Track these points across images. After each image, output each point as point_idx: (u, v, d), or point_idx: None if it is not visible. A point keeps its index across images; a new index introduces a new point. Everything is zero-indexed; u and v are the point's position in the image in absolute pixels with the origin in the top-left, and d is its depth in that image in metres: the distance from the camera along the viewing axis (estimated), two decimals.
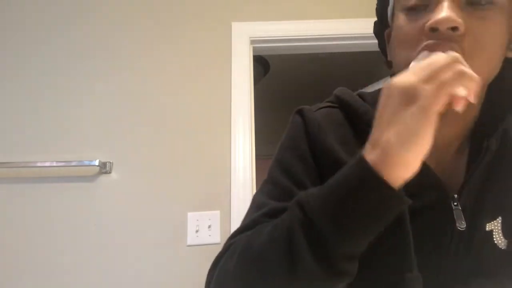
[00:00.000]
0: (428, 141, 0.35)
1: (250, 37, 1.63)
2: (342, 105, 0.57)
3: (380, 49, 0.65)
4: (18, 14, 1.62)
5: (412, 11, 0.48)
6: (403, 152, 0.35)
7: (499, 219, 0.48)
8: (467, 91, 0.36)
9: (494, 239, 0.48)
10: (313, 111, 0.56)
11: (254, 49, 1.65)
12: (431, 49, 0.43)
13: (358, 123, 0.54)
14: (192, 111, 1.51)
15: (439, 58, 0.37)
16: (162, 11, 1.66)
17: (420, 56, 0.44)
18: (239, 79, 1.55)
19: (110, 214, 1.37)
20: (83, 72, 1.55)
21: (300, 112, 0.57)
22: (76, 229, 1.34)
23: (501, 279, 0.46)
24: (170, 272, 1.31)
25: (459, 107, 0.36)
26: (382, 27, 0.61)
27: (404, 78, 0.37)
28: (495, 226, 0.48)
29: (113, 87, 1.53)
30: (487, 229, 0.48)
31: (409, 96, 0.36)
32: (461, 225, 0.47)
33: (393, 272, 0.45)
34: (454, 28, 0.42)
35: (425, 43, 0.44)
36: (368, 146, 0.39)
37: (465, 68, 0.37)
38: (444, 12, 0.43)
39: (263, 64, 2.55)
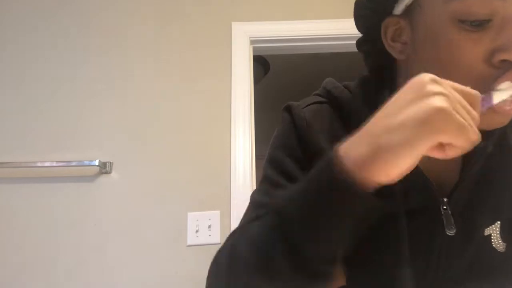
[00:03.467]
0: (416, 156, 0.33)
1: (250, 37, 1.63)
2: (332, 100, 0.54)
3: (365, 37, 0.55)
4: (19, 14, 1.62)
5: (471, 26, 0.40)
6: (401, 152, 0.32)
7: (498, 224, 0.47)
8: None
9: (492, 243, 0.47)
10: (301, 108, 0.54)
11: (254, 49, 1.65)
12: None
13: (348, 119, 0.52)
14: (192, 111, 1.51)
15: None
16: (162, 11, 1.65)
17: (502, 86, 0.38)
18: (239, 79, 1.55)
19: (110, 214, 1.37)
20: (83, 72, 1.55)
21: (288, 109, 0.55)
22: (76, 229, 1.34)
23: (500, 281, 0.46)
24: (170, 272, 1.31)
25: (442, 155, 0.33)
26: (376, 12, 0.51)
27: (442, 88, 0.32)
28: (493, 231, 0.47)
29: (113, 87, 1.53)
30: (485, 233, 0.47)
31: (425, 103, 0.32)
32: (450, 230, 0.46)
33: (388, 269, 0.45)
34: None
35: (507, 73, 0.38)
36: (361, 134, 0.35)
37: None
38: None
39: (263, 64, 2.55)
